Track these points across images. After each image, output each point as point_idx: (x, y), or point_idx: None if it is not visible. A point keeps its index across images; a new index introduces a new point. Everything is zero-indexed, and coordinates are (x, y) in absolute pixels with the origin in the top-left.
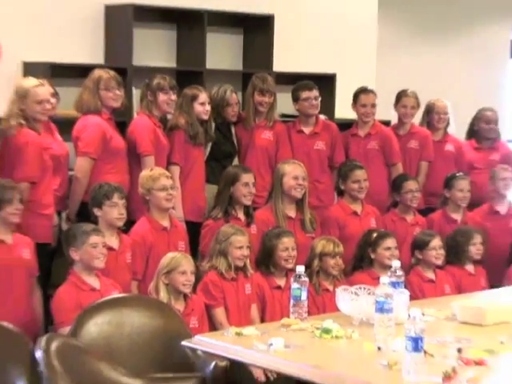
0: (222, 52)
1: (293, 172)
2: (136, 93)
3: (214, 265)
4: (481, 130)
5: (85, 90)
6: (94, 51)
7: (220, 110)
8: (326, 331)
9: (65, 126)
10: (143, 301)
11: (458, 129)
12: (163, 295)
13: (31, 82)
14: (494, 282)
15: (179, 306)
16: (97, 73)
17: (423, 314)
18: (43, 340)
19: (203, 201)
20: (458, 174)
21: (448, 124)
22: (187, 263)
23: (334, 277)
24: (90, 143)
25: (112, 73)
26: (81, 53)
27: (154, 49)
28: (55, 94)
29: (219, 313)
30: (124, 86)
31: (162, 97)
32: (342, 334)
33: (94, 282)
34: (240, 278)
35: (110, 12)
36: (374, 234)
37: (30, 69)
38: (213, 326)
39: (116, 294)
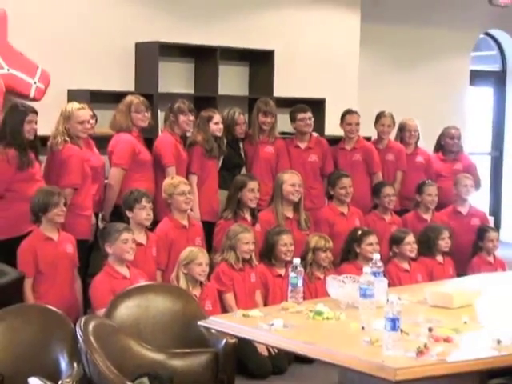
0: (232, 81)
1: (290, 180)
2: (161, 115)
3: (224, 257)
4: (446, 144)
5: (118, 112)
6: (126, 80)
7: (230, 129)
8: (319, 313)
9: (101, 142)
10: (166, 288)
11: (426, 143)
12: (182, 283)
13: (74, 105)
14: (460, 272)
15: (196, 291)
16: (129, 98)
17: (399, 299)
18: (82, 321)
19: (217, 204)
20: (427, 182)
21: (418, 139)
22: (203, 256)
23: (325, 267)
24: (122, 156)
25: (141, 98)
26: (115, 82)
27: (175, 78)
28: (93, 116)
29: (229, 298)
30: (151, 109)
31: (182, 118)
32: (331, 316)
33: (125, 271)
34: (246, 268)
35: (140, 48)
36: (359, 232)
37: (73, 95)
38: (224, 309)
39: (143, 282)
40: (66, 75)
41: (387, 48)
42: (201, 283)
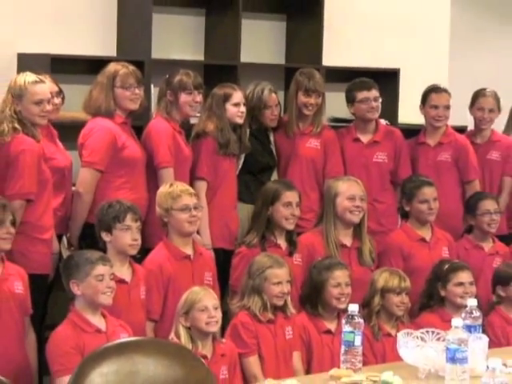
0: (261, 42)
1: (348, 191)
2: (155, 92)
3: (245, 304)
4: None
5: (96, 87)
6: (105, 41)
7: (256, 114)
8: None
9: (69, 131)
10: (159, 345)
11: None
12: (184, 341)
13: (28, 77)
14: None
15: (207, 351)
16: (112, 67)
17: (505, 366)
18: None
19: (235, 223)
20: None
21: None
22: (207, 297)
23: (398, 318)
24: (96, 151)
25: (131, 68)
26: (89, 43)
27: (177, 38)
28: (59, 93)
29: (252, 362)
30: (144, 83)
31: (184, 97)
32: None
33: (98, 322)
34: (279, 319)
35: None
36: (446, 266)
37: (26, 62)
38: (246, 378)
39: (126, 338)
40: (15, 33)
41: None
42: (213, 338)
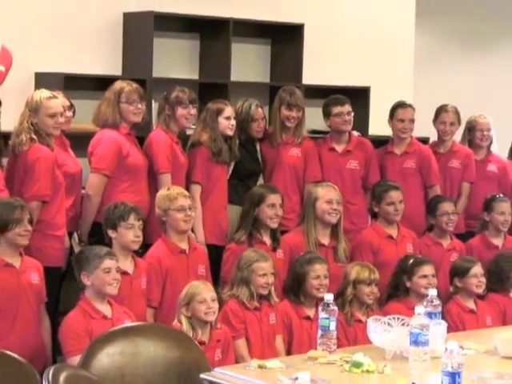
0: (248, 63)
1: (326, 195)
2: (155, 106)
3: (234, 293)
4: None
5: (104, 102)
6: (112, 62)
7: (245, 126)
8: (356, 365)
9: (79, 141)
10: (159, 330)
11: (501, 148)
12: (186, 329)
13: (43, 93)
14: None
15: (205, 338)
16: (118, 84)
17: (462, 348)
18: (50, 371)
19: (225, 222)
20: (498, 196)
21: (491, 142)
22: (205, 290)
23: (368, 306)
24: (104, 159)
25: (135, 85)
26: (97, 63)
27: (175, 59)
28: (70, 107)
29: (240, 345)
30: (146, 99)
31: (180, 111)
32: (373, 369)
33: (105, 309)
34: (264, 307)
35: (129, 20)
36: (411, 261)
37: (42, 80)
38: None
39: (129, 323)
40: (33, 55)
41: (449, 23)
42: (210, 326)
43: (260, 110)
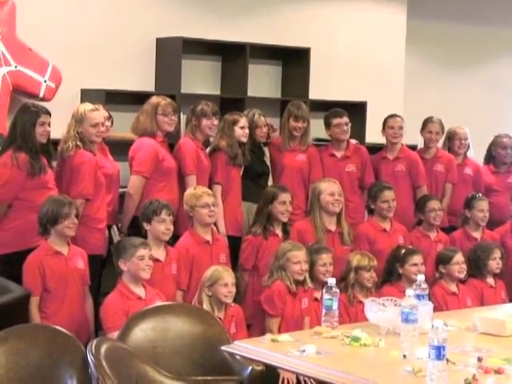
0: (262, 81)
1: (329, 189)
2: (183, 118)
3: (280, 276)
4: (498, 155)
5: (142, 114)
6: (146, 79)
7: (251, 133)
8: (355, 339)
9: (117, 147)
10: (185, 308)
11: (476, 154)
12: (206, 306)
13: (87, 106)
14: None
15: (221, 314)
16: (155, 99)
17: (446, 325)
18: (93, 343)
19: (241, 216)
20: (477, 196)
21: (468, 149)
22: (228, 276)
23: (368, 289)
24: (143, 163)
25: (169, 100)
26: (134, 81)
27: (200, 78)
28: (109, 118)
29: (274, 322)
30: (178, 112)
31: (205, 122)
32: (369, 343)
33: (140, 291)
34: (300, 292)
35: (161, 44)
36: (402, 251)
37: (87, 95)
38: (250, 332)
39: (160, 303)
40: (79, 73)
41: (436, 47)
42: (226, 306)
43: (262, 118)
